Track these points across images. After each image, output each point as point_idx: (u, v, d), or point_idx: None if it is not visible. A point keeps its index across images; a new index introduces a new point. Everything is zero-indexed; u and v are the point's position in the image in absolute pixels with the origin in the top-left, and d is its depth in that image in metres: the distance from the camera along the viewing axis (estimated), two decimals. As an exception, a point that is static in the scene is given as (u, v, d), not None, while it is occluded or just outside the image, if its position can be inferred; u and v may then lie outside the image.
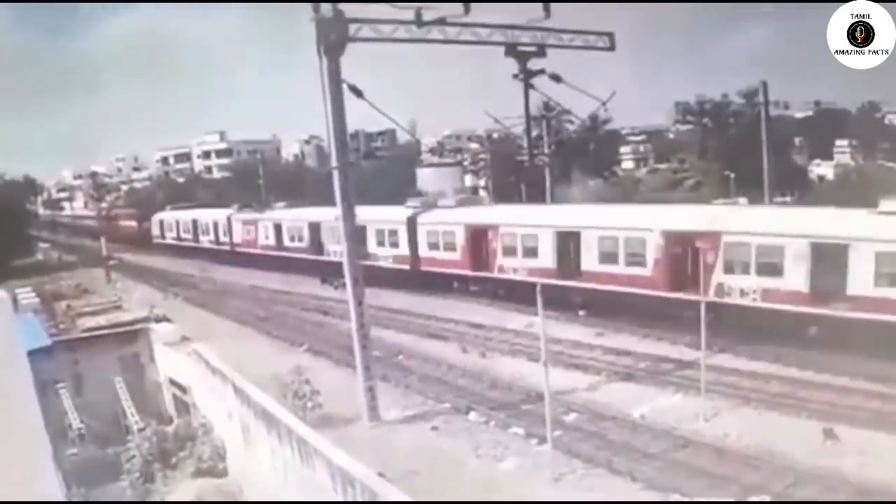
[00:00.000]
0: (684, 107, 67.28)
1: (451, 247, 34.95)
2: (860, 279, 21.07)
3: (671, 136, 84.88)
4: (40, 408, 21.37)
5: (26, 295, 39.98)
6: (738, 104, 61.00)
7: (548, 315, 17.21)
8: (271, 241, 49.61)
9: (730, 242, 24.11)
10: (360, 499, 12.05)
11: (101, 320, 33.31)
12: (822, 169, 70.12)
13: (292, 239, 47.47)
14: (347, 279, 20.01)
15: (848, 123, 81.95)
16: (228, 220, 55.77)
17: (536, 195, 42.29)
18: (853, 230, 21.78)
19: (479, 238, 33.50)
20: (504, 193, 57.64)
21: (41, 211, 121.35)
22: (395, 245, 37.71)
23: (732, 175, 52.84)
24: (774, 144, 39.95)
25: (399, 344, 26.76)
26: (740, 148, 51.76)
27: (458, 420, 19.31)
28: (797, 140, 73.81)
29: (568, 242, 29.42)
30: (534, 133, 42.17)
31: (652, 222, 26.94)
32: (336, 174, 19.62)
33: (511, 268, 31.76)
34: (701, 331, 17.97)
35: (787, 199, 47.09)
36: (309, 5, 18.60)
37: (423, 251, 36.52)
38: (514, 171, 59.33)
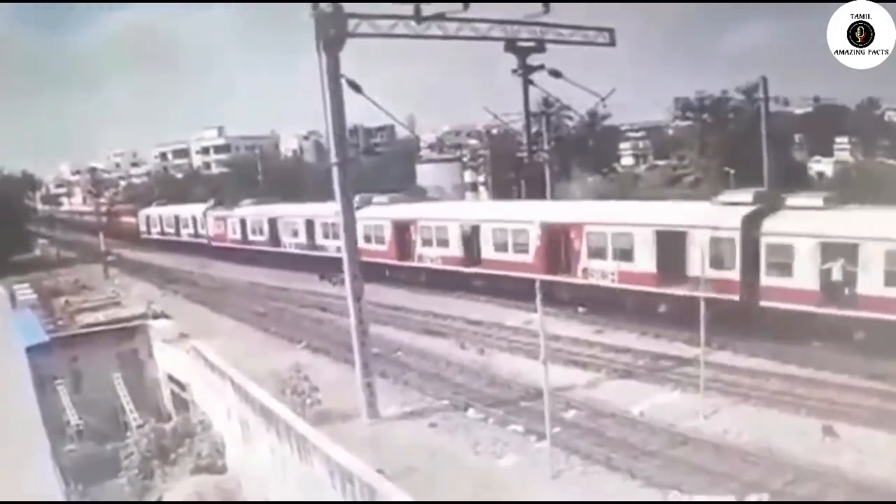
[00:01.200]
0: (684, 103, 67.01)
1: (380, 239, 38.40)
2: (698, 262, 22.86)
3: (670, 132, 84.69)
4: (38, 404, 21.37)
5: (24, 291, 40.01)
6: (737, 100, 60.80)
7: (547, 312, 17.19)
8: (238, 235, 53.92)
9: (591, 232, 27.83)
10: (358, 495, 12.04)
11: (100, 316, 33.23)
12: (821, 165, 69.96)
13: (254, 233, 51.91)
14: (346, 275, 19.98)
15: (848, 120, 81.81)
16: (204, 216, 59.68)
17: (536, 191, 42.21)
18: (691, 219, 24.88)
19: (402, 231, 37.25)
20: (504, 190, 57.52)
21: (39, 206, 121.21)
22: (336, 237, 39.87)
23: (732, 171, 52.73)
24: (774, 141, 39.88)
25: (398, 340, 26.72)
26: (740, 144, 51.63)
27: (457, 417, 19.28)
28: (797, 136, 73.62)
29: (471, 234, 33.52)
30: (533, 129, 42.11)
31: (533, 216, 31.10)
32: (335, 170, 19.56)
33: (428, 257, 35.93)
34: (700, 328, 17.95)
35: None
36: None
37: (360, 243, 38.72)
38: (514, 167, 59.16)
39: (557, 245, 29.24)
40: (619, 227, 26.99)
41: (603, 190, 55.85)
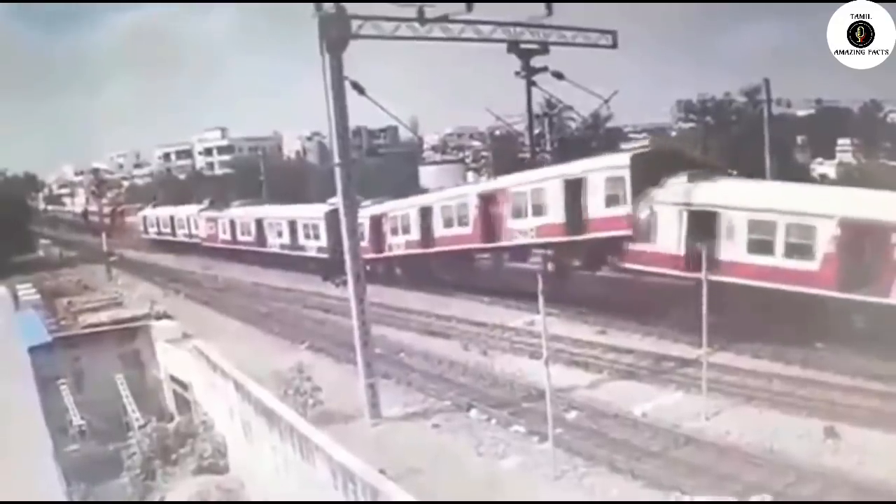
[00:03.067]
0: (686, 105, 66.90)
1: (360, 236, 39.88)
2: (595, 204, 26.08)
3: (673, 134, 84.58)
4: (41, 404, 21.40)
5: (27, 291, 40.06)
6: (740, 102, 60.66)
7: (549, 313, 17.19)
8: (228, 235, 55.80)
9: (514, 192, 29.86)
10: (360, 495, 12.04)
11: (103, 317, 33.23)
12: (824, 167, 69.80)
13: (243, 233, 53.75)
14: (349, 276, 19.99)
15: (850, 122, 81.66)
16: (197, 216, 61.74)
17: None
18: (590, 165, 27.22)
19: (376, 225, 38.75)
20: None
21: (42, 206, 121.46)
22: (316, 237, 44.18)
23: (735, 173, 52.56)
24: (777, 143, 39.84)
25: (400, 341, 26.76)
26: (742, 146, 51.52)
27: (460, 417, 19.30)
28: (799, 138, 73.49)
29: (426, 216, 35.29)
30: (536, 131, 42.04)
31: (472, 189, 33.79)
32: (338, 171, 19.59)
33: (396, 245, 37.81)
34: (702, 329, 17.93)
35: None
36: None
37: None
38: (517, 168, 59.11)
39: (491, 214, 31.14)
40: (535, 184, 29.06)
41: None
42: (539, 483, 15.21)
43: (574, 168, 28.15)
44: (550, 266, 29.22)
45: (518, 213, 29.54)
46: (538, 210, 28.58)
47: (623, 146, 27.77)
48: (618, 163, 25.91)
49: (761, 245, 21.25)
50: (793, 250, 20.67)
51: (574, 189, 26.98)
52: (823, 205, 20.77)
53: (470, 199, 32.62)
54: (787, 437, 15.80)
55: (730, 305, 20.86)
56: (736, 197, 22.73)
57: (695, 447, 15.96)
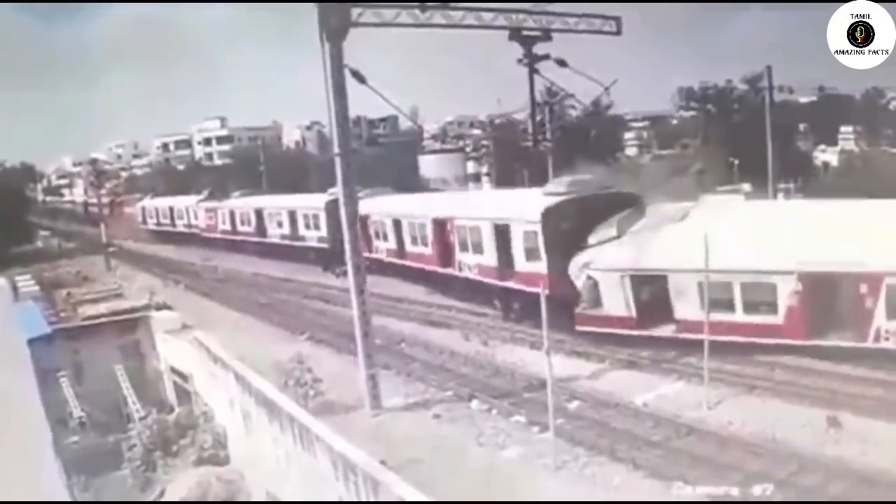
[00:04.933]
0: (688, 92, 66.74)
1: None
2: (518, 254, 25.09)
3: (674, 122, 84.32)
4: (41, 396, 21.39)
5: (26, 282, 39.95)
6: (741, 90, 60.47)
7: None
8: (227, 226, 55.38)
9: (458, 225, 29.05)
10: (361, 486, 12.03)
11: (102, 308, 33.15)
12: (826, 155, 69.62)
13: (243, 224, 53.26)
14: (349, 267, 19.90)
15: (852, 109, 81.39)
16: (196, 207, 61.57)
17: (539, 181, 41.98)
18: (513, 213, 25.83)
19: (363, 225, 36.86)
20: (507, 180, 57.30)
21: (41, 197, 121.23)
22: (316, 228, 43.60)
23: (736, 162, 52.47)
24: (779, 130, 39.62)
25: (401, 332, 26.67)
26: (744, 134, 51.35)
27: (461, 408, 19.25)
28: (802, 126, 73.25)
29: (398, 228, 34.68)
30: (537, 118, 41.87)
31: (429, 212, 32.19)
32: (338, 161, 19.47)
33: (381, 249, 36.61)
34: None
35: (791, 185, 46.75)
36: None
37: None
38: (517, 157, 58.95)
39: (444, 239, 30.31)
40: (473, 221, 28.05)
41: (606, 180, 55.48)
42: (540, 473, 15.16)
43: (502, 211, 26.94)
44: (498, 303, 27.28)
45: (463, 246, 28.68)
46: (477, 248, 27.65)
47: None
48: (530, 217, 24.41)
49: (718, 303, 19.36)
50: (753, 307, 19.73)
51: (502, 234, 25.94)
52: (781, 260, 19.40)
53: (426, 221, 31.88)
54: (789, 427, 15.75)
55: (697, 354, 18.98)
56: (681, 258, 20.47)
57: (696, 437, 15.92)
